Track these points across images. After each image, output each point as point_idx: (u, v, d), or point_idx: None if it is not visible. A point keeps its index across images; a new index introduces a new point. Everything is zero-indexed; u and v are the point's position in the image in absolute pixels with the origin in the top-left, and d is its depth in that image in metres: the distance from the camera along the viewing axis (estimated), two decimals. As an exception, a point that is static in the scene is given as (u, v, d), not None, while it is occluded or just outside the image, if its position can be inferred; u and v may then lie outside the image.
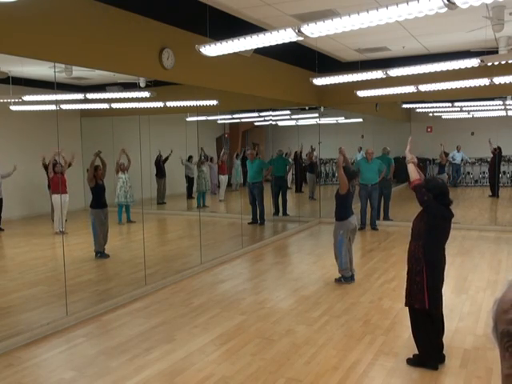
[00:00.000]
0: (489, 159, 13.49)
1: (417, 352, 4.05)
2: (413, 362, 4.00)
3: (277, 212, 11.22)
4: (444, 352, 4.07)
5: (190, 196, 12.82)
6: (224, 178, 13.24)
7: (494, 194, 12.79)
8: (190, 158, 12.39)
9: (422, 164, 13.39)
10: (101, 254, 7.58)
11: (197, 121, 9.53)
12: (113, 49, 5.50)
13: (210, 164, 12.94)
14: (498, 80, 7.41)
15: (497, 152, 11.96)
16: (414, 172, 4.13)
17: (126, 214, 9.45)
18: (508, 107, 11.84)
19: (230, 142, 14.99)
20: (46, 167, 8.78)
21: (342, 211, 6.32)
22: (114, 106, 8.62)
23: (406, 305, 4.13)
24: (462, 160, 14.14)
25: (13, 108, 8.21)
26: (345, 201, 6.29)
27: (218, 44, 4.97)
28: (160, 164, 11.52)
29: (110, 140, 10.09)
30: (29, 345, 4.55)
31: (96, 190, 7.54)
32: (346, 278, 6.35)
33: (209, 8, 5.77)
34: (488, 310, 5.17)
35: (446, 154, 12.71)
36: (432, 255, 3.95)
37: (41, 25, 4.68)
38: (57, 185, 8.28)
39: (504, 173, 13.16)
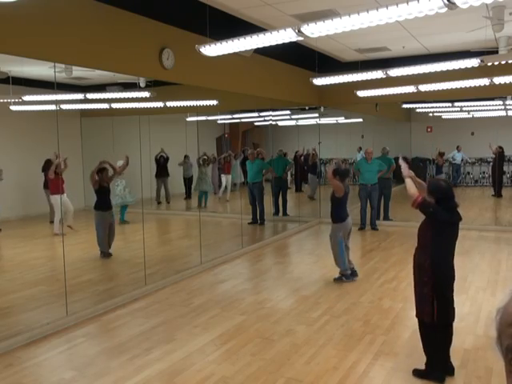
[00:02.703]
0: (489, 159, 13.51)
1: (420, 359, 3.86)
2: (418, 373, 3.81)
3: (277, 212, 11.22)
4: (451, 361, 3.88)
5: (188, 196, 12.83)
6: (227, 178, 13.25)
7: (495, 193, 12.80)
8: (186, 157, 12.38)
9: (422, 164, 13.40)
10: (104, 253, 7.61)
11: (197, 121, 9.53)
12: (113, 49, 5.50)
13: (212, 164, 12.92)
14: (497, 80, 7.41)
15: (498, 152, 11.97)
16: (412, 187, 3.92)
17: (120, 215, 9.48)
18: (508, 107, 11.84)
19: (231, 142, 14.99)
20: (48, 168, 8.77)
21: (340, 212, 6.33)
22: (114, 106, 8.62)
23: (416, 316, 3.90)
24: (462, 160, 14.15)
25: (13, 108, 8.21)
26: (341, 202, 6.31)
27: (218, 44, 4.97)
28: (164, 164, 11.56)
29: (110, 140, 10.08)
30: (29, 345, 4.55)
31: (100, 191, 7.54)
32: (346, 276, 6.37)
33: (209, 8, 5.76)
34: (488, 310, 5.17)
35: (442, 154, 12.75)
36: (440, 265, 3.69)
37: (41, 25, 4.68)
38: (57, 186, 8.30)
39: (504, 173, 13.17)
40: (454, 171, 14.33)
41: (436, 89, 8.03)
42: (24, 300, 5.84)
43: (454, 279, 3.79)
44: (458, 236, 3.82)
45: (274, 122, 12.91)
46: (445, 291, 3.72)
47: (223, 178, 13.26)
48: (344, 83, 7.75)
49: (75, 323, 5.07)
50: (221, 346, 4.45)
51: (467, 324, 4.84)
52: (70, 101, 8.80)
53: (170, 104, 8.72)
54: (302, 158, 13.95)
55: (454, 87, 7.68)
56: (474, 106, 12.02)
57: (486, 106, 11.63)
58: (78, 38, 5.03)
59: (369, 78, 7.18)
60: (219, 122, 13.94)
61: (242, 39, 4.73)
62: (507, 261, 7.32)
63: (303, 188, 14.89)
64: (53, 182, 8.48)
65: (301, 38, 4.46)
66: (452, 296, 3.78)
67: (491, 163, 13.20)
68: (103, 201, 7.55)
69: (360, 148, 13.94)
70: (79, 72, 7.22)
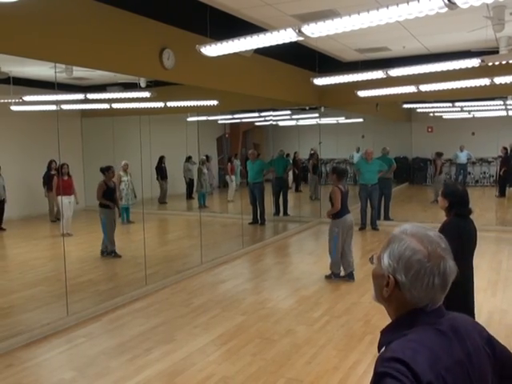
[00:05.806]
0: (489, 159, 13.52)
1: None
2: None
3: (277, 212, 11.22)
4: None
5: (189, 196, 12.85)
6: (232, 178, 13.30)
7: (500, 193, 12.78)
8: (189, 158, 12.39)
9: (423, 164, 13.41)
10: (114, 253, 7.60)
11: (197, 121, 9.55)
12: (113, 49, 5.49)
13: (207, 164, 12.93)
14: (498, 80, 7.40)
15: (503, 153, 11.99)
16: None
17: (125, 215, 9.45)
18: (508, 107, 11.83)
19: (231, 142, 15.00)
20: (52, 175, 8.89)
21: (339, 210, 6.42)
22: (115, 106, 8.63)
23: None
24: (468, 159, 14.05)
25: (13, 108, 8.22)
26: (341, 201, 6.39)
27: (219, 44, 4.97)
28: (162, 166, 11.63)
29: (111, 140, 10.09)
30: (29, 345, 4.55)
31: (107, 191, 7.56)
32: (335, 274, 6.49)
33: (209, 8, 5.76)
34: (488, 310, 5.16)
35: (440, 155, 12.79)
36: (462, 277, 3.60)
37: (41, 25, 4.67)
38: (63, 187, 8.35)
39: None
40: (459, 171, 14.28)
41: (436, 89, 8.02)
42: (24, 300, 5.84)
43: (473, 290, 3.67)
44: (476, 245, 3.65)
45: (274, 122, 12.91)
46: (469, 303, 3.59)
47: (229, 178, 13.33)
48: (344, 83, 7.75)
49: (76, 323, 5.07)
50: (221, 346, 4.45)
51: (468, 324, 4.82)
52: (71, 101, 8.82)
53: (170, 104, 8.72)
54: (308, 157, 13.97)
55: (454, 87, 7.67)
56: (474, 106, 12.01)
57: (487, 106, 11.62)
58: (79, 38, 5.03)
59: (369, 78, 7.18)
60: (220, 122, 13.95)
61: (242, 39, 4.72)
62: (507, 261, 7.31)
63: (301, 188, 14.92)
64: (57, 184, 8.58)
65: (301, 38, 4.46)
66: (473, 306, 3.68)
67: (492, 163, 13.20)
68: (108, 198, 7.56)
69: (358, 148, 13.94)
70: (80, 72, 7.23)
